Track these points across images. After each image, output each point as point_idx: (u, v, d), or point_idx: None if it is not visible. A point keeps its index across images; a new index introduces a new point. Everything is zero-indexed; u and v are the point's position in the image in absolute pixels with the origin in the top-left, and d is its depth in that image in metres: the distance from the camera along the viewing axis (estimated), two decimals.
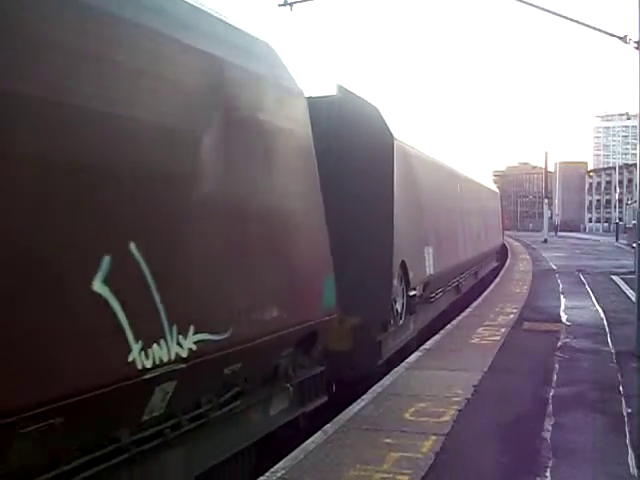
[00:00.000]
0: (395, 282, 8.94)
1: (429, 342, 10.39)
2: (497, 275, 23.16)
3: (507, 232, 47.98)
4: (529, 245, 45.43)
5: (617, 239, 52.60)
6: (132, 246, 3.89)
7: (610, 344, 10.21)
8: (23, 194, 3.26)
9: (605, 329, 11.57)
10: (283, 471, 5.04)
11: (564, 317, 13.01)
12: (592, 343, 10.35)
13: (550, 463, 5.28)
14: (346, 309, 7.28)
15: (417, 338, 10.91)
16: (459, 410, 6.63)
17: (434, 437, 5.79)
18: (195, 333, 4.38)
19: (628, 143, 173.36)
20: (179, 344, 4.24)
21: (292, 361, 6.23)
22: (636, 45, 9.98)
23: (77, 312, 3.54)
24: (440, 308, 13.38)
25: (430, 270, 11.33)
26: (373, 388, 7.53)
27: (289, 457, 5.34)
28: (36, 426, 3.24)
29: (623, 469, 5.20)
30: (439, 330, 11.53)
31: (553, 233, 68.19)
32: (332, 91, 8.89)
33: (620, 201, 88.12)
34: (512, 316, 13.00)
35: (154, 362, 4.01)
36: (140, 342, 3.88)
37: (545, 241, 50.29)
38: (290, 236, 6.08)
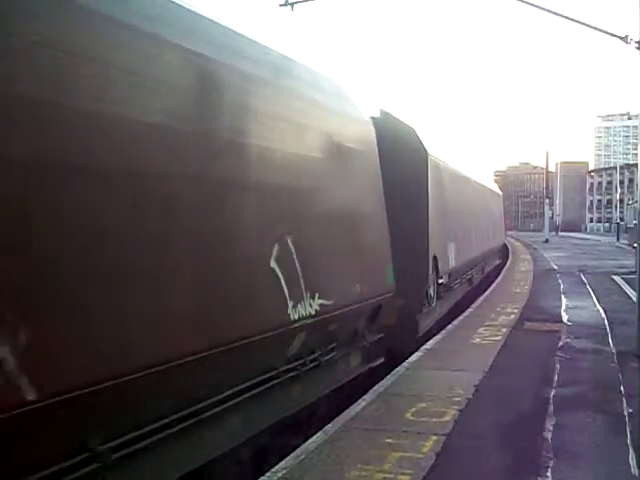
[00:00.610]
0: (430, 272, 11.01)
1: (430, 342, 10.39)
2: (498, 274, 23.18)
3: (508, 232, 48.03)
4: (530, 245, 45.42)
5: (618, 239, 52.60)
6: (288, 239, 5.82)
7: (611, 344, 10.21)
8: (238, 205, 5.20)
9: (606, 329, 11.57)
10: (284, 471, 5.04)
11: (565, 317, 13.01)
12: (593, 343, 10.35)
13: (551, 463, 5.28)
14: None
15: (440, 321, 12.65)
16: (460, 410, 6.63)
17: (435, 437, 5.79)
18: (318, 298, 6.29)
19: (629, 143, 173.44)
20: (310, 305, 6.14)
21: (365, 327, 8.13)
22: (637, 45, 9.97)
23: (264, 279, 5.49)
24: (457, 297, 15.20)
25: (452, 263, 13.45)
26: (374, 388, 7.53)
27: (290, 457, 5.34)
28: (243, 346, 4.95)
29: (624, 469, 5.20)
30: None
31: (554, 233, 68.22)
32: (376, 114, 10.23)
33: (621, 201, 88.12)
34: (513, 316, 13.00)
35: (299, 316, 5.91)
36: (292, 302, 5.80)
37: (546, 241, 50.30)
38: (367, 234, 8.10)
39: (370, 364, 8.36)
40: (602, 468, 5.28)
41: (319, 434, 5.90)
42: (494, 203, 28.00)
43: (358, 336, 7.96)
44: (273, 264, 5.53)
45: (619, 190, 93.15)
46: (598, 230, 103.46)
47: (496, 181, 54.59)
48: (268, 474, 5.00)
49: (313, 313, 6.18)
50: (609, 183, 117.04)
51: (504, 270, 24.98)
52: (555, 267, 25.86)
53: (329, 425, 6.17)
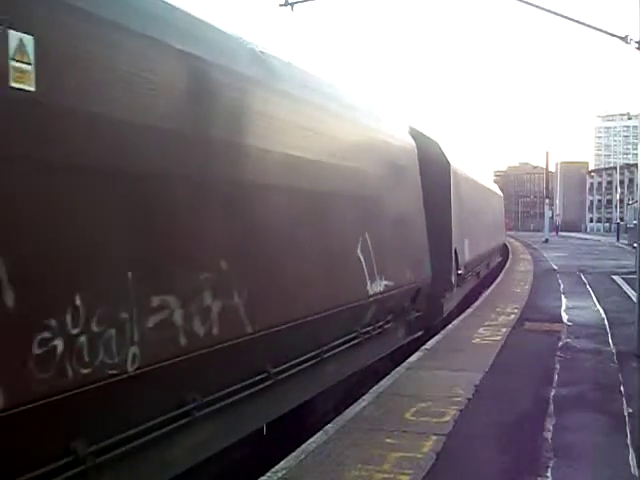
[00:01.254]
0: (452, 263, 12.94)
1: (430, 342, 10.40)
2: (498, 274, 23.18)
3: (508, 232, 48.04)
4: (530, 245, 45.43)
5: (618, 239, 52.58)
6: (366, 235, 7.82)
7: (611, 344, 10.21)
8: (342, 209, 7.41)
9: (606, 329, 11.57)
10: (284, 471, 5.04)
11: (565, 317, 13.01)
12: (593, 343, 10.35)
13: (551, 463, 5.28)
14: None
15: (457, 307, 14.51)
16: (460, 410, 6.63)
17: (435, 437, 5.79)
18: (384, 280, 8.28)
19: (629, 143, 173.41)
20: (379, 284, 8.10)
21: (409, 305, 10.14)
22: (637, 45, 9.98)
23: (354, 263, 7.49)
24: (469, 287, 17.02)
25: (467, 257, 15.32)
26: (374, 388, 7.53)
27: (290, 457, 5.34)
28: (343, 310, 7.05)
29: (624, 469, 5.20)
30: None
31: (554, 233, 68.22)
32: (408, 130, 11.97)
33: (621, 201, 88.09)
34: (513, 316, 13.00)
35: (373, 292, 7.92)
36: (369, 281, 7.80)
37: (546, 241, 50.31)
38: (413, 232, 10.32)
39: (411, 336, 10.35)
40: (602, 468, 5.28)
41: (319, 434, 5.90)
42: (497, 204, 30.41)
43: (404, 312, 9.96)
44: (359, 253, 7.62)
45: (619, 190, 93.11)
46: (598, 230, 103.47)
47: (496, 181, 54.75)
48: (268, 474, 5.00)
49: (381, 290, 8.25)
50: (609, 183, 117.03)
51: (504, 270, 24.99)
52: (555, 267, 25.86)
53: (329, 425, 6.17)
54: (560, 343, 10.30)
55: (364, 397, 7.15)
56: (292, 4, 13.36)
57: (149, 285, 4.11)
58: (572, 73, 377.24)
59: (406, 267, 9.56)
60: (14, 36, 3.31)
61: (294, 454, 5.41)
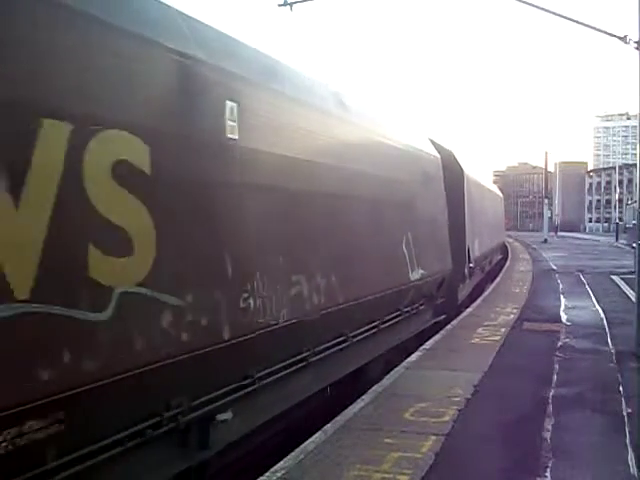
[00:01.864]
0: (466, 258, 15.06)
1: (429, 342, 10.40)
2: (497, 274, 23.19)
3: (508, 232, 48.07)
4: (529, 245, 45.45)
5: (617, 239, 52.61)
6: (409, 234, 9.87)
7: (610, 344, 10.22)
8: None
9: (605, 329, 11.58)
10: (283, 471, 5.04)
11: (564, 317, 13.02)
12: (592, 343, 10.36)
13: (550, 463, 5.28)
14: None
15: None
16: (459, 410, 6.63)
17: (434, 437, 5.79)
18: (420, 269, 10.26)
19: (628, 143, 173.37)
20: (417, 273, 10.14)
21: (436, 292, 12.19)
22: (636, 45, 9.98)
23: (400, 256, 9.53)
24: (476, 280, 18.92)
25: (476, 253, 17.38)
26: (373, 388, 7.53)
27: (289, 457, 5.34)
28: (392, 293, 9.13)
29: (623, 469, 5.20)
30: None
31: (553, 233, 68.20)
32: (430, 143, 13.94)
33: (620, 201, 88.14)
34: (512, 316, 13.01)
35: (413, 278, 9.96)
36: (410, 269, 9.86)
37: (545, 241, 50.33)
38: (439, 230, 12.48)
39: (435, 319, 12.34)
40: (601, 468, 5.28)
41: (318, 434, 5.90)
42: (498, 205, 32.89)
43: (432, 297, 11.97)
44: (404, 248, 9.74)
45: (618, 190, 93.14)
46: (597, 230, 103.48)
47: (495, 181, 54.84)
48: (267, 474, 5.00)
49: (418, 277, 10.29)
50: (608, 183, 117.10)
51: (503, 270, 25.00)
52: (554, 267, 25.88)
53: (328, 425, 6.17)
54: (559, 343, 10.30)
55: (363, 397, 7.15)
56: (291, 4, 13.36)
57: (290, 267, 6.07)
58: (571, 73, 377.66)
59: (434, 260, 11.64)
60: (228, 104, 5.22)
61: (293, 454, 5.41)
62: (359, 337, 7.99)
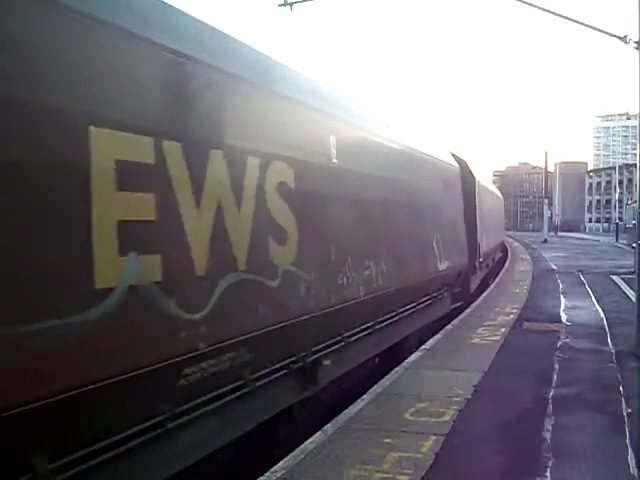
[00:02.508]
0: (477, 253, 17.17)
1: (429, 342, 10.41)
2: (497, 274, 23.19)
3: (507, 232, 48.08)
4: (529, 245, 45.44)
5: (617, 239, 52.59)
6: (438, 234, 12.20)
7: (610, 344, 10.22)
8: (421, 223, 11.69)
9: (605, 329, 11.58)
10: (283, 471, 5.04)
11: (564, 317, 13.02)
12: (592, 343, 10.36)
13: (550, 463, 5.29)
14: None
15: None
16: (459, 410, 6.63)
17: (434, 437, 5.80)
18: (445, 261, 12.43)
19: (628, 143, 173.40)
20: (443, 264, 12.33)
21: (455, 282, 14.32)
22: (636, 45, 9.98)
23: (431, 251, 11.81)
24: (483, 274, 20.33)
25: (484, 249, 19.41)
26: (373, 388, 7.54)
27: (289, 457, 5.35)
28: (425, 282, 11.47)
29: (623, 469, 5.21)
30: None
31: (553, 233, 68.22)
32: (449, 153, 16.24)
33: (620, 201, 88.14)
34: (512, 316, 13.02)
35: (440, 269, 12.24)
36: (439, 262, 12.12)
37: (545, 241, 50.33)
38: (458, 230, 14.66)
39: (454, 305, 14.30)
40: (601, 468, 5.28)
41: (318, 434, 5.91)
42: (499, 206, 34.81)
43: (451, 287, 13.98)
44: (434, 244, 11.83)
45: (618, 190, 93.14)
46: (597, 230, 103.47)
47: (495, 181, 54.88)
48: (267, 474, 5.00)
49: (444, 268, 12.43)
50: (608, 183, 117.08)
51: (503, 270, 25.00)
52: (554, 267, 25.88)
53: (328, 425, 6.18)
54: (559, 343, 10.30)
55: (363, 397, 7.15)
56: (291, 4, 13.36)
57: (362, 255, 7.91)
58: (571, 73, 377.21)
59: (455, 255, 13.72)
60: (332, 138, 7.19)
61: (293, 454, 5.41)
62: (403, 314, 10.02)
